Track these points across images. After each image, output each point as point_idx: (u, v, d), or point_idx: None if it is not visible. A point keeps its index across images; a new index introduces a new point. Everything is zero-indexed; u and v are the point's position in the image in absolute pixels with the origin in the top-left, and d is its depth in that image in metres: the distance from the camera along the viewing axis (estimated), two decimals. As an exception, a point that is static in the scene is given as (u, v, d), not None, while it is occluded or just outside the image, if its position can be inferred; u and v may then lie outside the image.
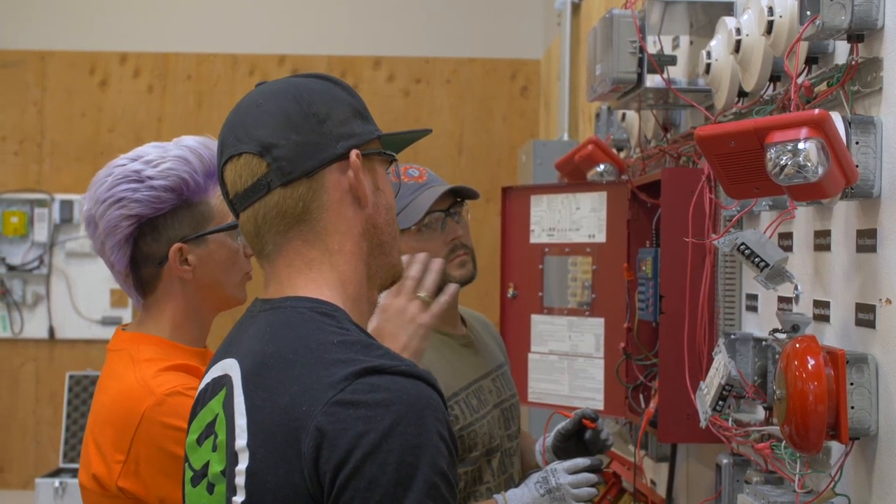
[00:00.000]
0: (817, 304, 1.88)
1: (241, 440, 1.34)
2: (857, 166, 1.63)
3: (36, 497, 5.49)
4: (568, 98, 5.19)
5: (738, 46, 2.06)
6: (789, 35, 1.85)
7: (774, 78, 2.03)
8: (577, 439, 2.39)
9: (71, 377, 5.94)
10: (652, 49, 2.45)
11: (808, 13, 1.69)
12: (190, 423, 1.50)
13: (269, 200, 1.42)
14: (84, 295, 6.32)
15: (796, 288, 1.90)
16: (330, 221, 1.43)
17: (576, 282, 2.80)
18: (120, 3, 6.48)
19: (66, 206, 6.30)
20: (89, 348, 6.30)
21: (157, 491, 1.78)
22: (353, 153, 1.43)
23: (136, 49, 6.43)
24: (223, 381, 1.42)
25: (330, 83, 1.48)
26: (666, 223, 2.36)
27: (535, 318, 2.89)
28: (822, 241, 1.87)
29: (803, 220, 1.96)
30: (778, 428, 1.69)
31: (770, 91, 2.05)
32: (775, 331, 1.79)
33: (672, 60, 2.44)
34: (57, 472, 5.71)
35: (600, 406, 2.69)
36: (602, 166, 2.96)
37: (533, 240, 2.91)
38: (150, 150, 1.92)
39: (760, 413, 2.04)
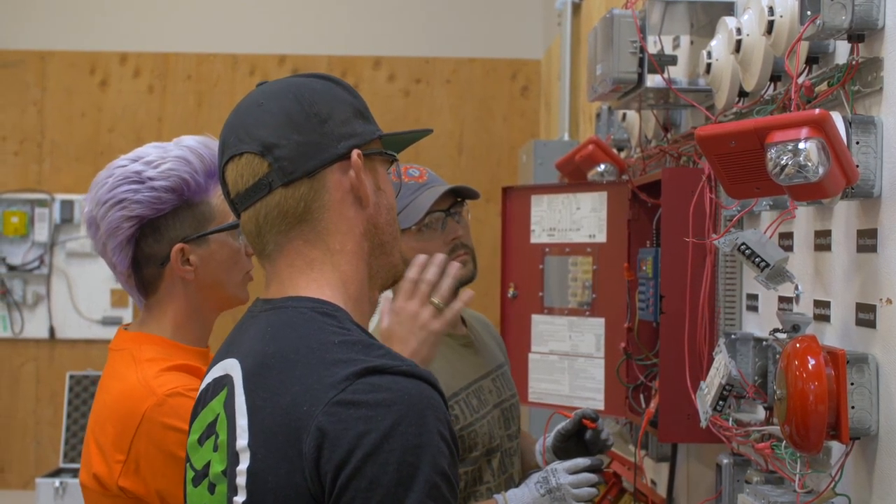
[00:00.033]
0: (818, 304, 1.88)
1: (243, 440, 1.34)
2: (857, 166, 1.63)
3: (36, 497, 5.49)
4: (568, 98, 5.19)
5: (738, 46, 2.06)
6: (790, 35, 1.85)
7: (775, 78, 2.03)
8: (578, 439, 2.39)
9: (71, 377, 5.94)
10: (652, 49, 2.45)
11: (809, 13, 1.69)
12: (191, 423, 1.50)
13: (271, 200, 1.42)
14: (84, 295, 6.32)
15: (797, 288, 1.89)
16: (331, 221, 1.43)
17: (576, 282, 2.80)
18: (120, 3, 6.48)
19: (67, 206, 6.30)
20: (90, 348, 6.30)
21: (157, 490, 1.78)
22: (355, 153, 1.43)
23: (136, 49, 6.43)
24: (224, 381, 1.42)
25: (331, 83, 1.48)
26: (666, 223, 2.36)
27: (535, 318, 2.89)
28: (822, 241, 1.87)
29: (804, 220, 1.96)
30: (778, 428, 1.69)
31: (770, 91, 2.05)
32: (776, 331, 1.79)
33: (672, 60, 2.44)
34: (57, 472, 5.71)
35: (601, 406, 2.69)
36: (602, 166, 2.96)
37: (533, 240, 2.91)
38: (150, 150, 1.91)
39: (761, 413, 2.04)
